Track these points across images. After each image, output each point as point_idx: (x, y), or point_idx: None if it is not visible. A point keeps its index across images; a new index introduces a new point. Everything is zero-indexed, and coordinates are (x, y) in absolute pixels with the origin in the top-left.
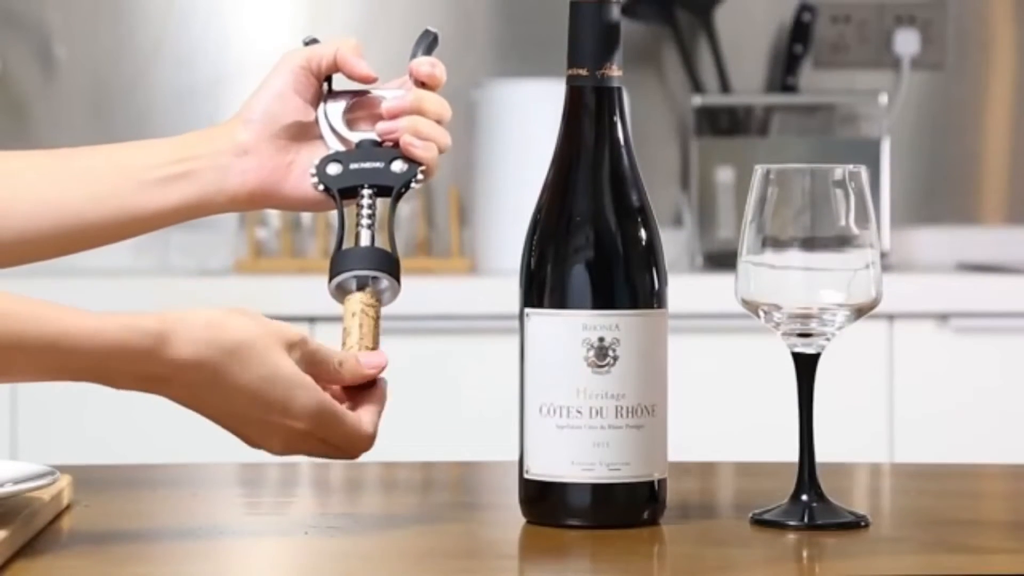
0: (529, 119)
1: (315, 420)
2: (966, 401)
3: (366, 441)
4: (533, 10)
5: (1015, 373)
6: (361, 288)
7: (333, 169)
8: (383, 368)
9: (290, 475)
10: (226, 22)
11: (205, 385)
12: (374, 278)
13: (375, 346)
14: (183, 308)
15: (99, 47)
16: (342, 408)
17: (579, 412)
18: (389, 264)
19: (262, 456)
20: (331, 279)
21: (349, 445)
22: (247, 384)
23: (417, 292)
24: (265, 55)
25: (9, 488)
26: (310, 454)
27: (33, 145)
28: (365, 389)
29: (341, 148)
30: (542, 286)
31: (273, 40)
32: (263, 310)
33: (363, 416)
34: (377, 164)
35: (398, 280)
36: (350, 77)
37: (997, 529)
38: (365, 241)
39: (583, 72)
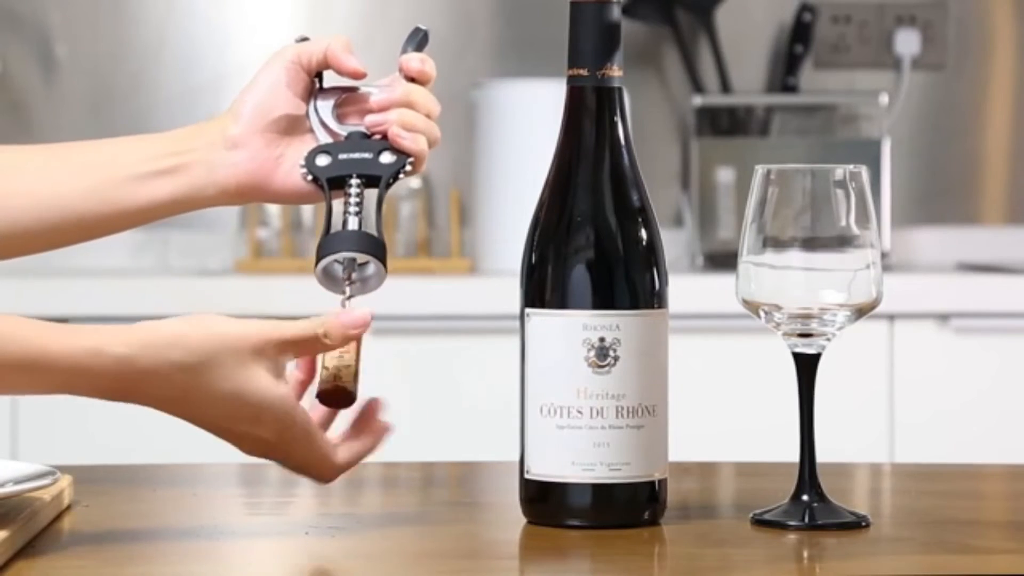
0: (529, 119)
1: (282, 435)
2: (966, 401)
3: (329, 470)
4: (533, 10)
5: (1015, 373)
6: (347, 272)
7: (322, 160)
8: (367, 325)
9: (290, 475)
10: (226, 22)
11: (175, 400)
12: (362, 264)
13: (358, 358)
14: (157, 318)
15: (99, 47)
16: (316, 431)
17: (579, 412)
18: (375, 247)
19: None
20: (317, 263)
21: (308, 467)
22: (217, 399)
23: (417, 292)
24: (265, 55)
25: (9, 488)
26: (277, 462)
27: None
28: (366, 425)
29: (331, 141)
30: (542, 286)
31: (273, 40)
32: (263, 310)
33: (342, 447)
34: (366, 155)
35: (384, 264)
36: (340, 72)
37: (998, 529)
38: (352, 227)
39: (583, 72)
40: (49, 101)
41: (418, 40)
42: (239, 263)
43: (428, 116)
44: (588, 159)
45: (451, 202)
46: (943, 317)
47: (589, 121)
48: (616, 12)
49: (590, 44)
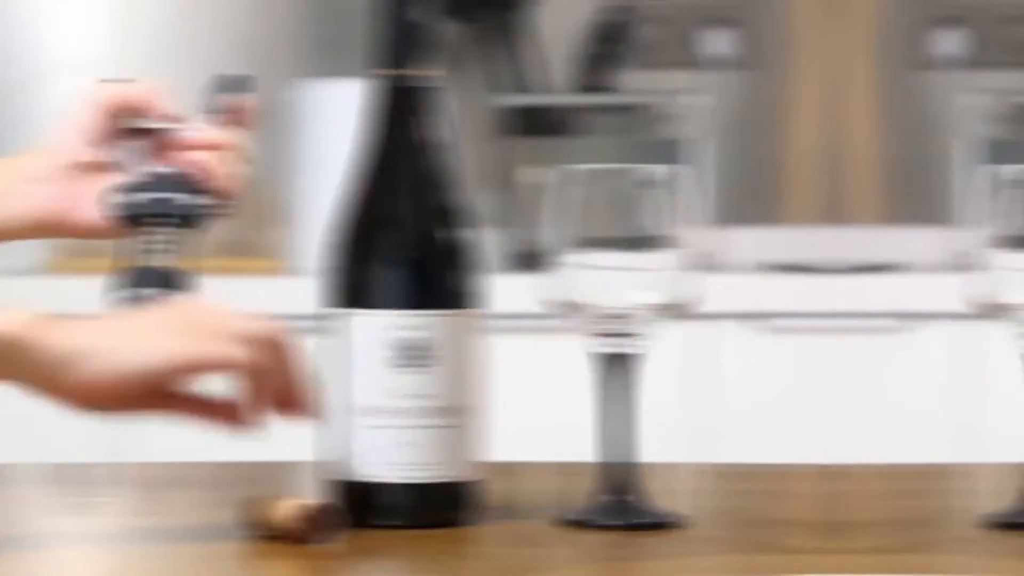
0: (341, 119)
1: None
2: (780, 400)
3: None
4: (344, 10)
5: (825, 371)
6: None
7: (123, 197)
8: None
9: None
10: (36, 25)
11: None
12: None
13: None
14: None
15: None
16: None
17: (391, 413)
18: (172, 283)
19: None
20: (113, 298)
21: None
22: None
23: (231, 291)
24: (72, 59)
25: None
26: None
27: None
28: None
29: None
30: (353, 287)
31: (80, 45)
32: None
33: None
34: (169, 194)
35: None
36: (152, 116)
37: (806, 529)
38: (150, 264)
39: (387, 72)
40: None
41: (233, 84)
42: (49, 262)
43: (238, 158)
44: (399, 159)
45: (262, 202)
46: (752, 317)
47: (395, 121)
48: (419, 11)
49: (393, 43)
